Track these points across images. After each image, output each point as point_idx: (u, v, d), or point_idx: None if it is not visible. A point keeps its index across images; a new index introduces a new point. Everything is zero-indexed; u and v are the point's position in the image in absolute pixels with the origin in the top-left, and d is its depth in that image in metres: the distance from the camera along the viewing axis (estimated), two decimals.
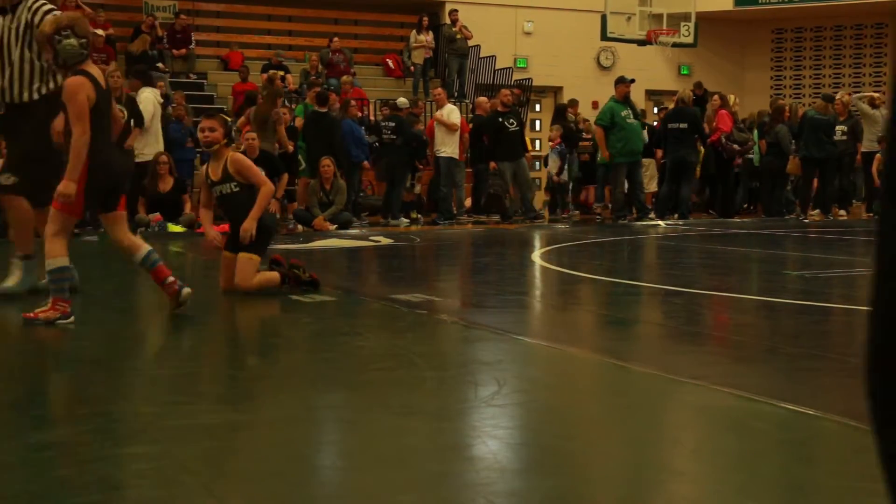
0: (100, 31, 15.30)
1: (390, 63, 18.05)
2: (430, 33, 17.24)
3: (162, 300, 5.60)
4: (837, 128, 13.44)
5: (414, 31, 17.23)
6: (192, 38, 16.57)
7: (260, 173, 5.81)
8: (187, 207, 11.50)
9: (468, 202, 13.71)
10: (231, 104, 15.26)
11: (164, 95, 14.01)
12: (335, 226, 11.39)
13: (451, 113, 12.91)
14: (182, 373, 3.58)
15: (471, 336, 4.38)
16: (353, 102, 13.16)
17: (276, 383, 3.43)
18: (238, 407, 3.07)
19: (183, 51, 16.43)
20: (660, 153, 14.08)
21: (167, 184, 11.37)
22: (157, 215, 11.19)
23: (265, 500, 2.18)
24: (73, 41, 4.55)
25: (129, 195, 5.70)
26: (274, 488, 2.22)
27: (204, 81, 16.43)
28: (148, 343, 4.33)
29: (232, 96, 15.18)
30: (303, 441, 2.68)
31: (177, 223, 11.14)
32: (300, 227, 11.53)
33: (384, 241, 9.86)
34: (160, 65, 15.64)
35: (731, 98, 14.55)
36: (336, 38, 16.89)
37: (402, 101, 13.69)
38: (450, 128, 12.77)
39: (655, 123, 15.25)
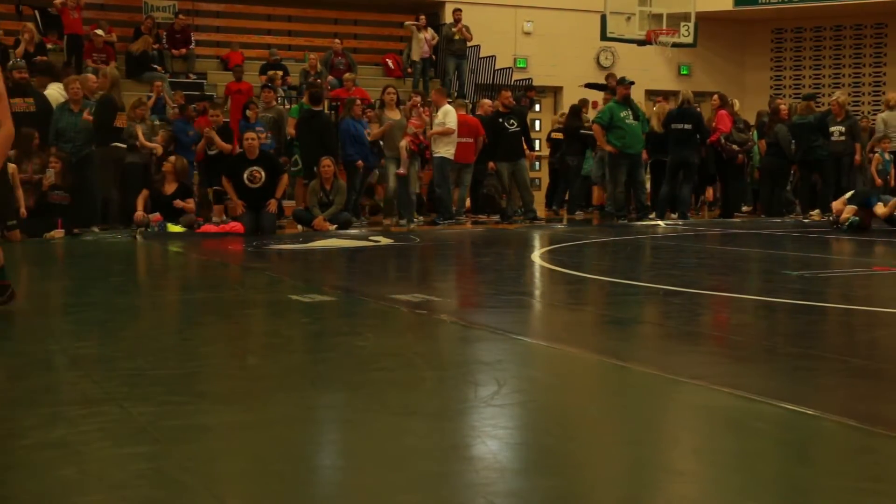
0: (99, 32, 15.31)
1: (390, 63, 18.05)
2: (430, 31, 17.23)
3: (161, 300, 5.61)
4: (835, 128, 13.37)
5: (414, 29, 17.22)
6: (192, 38, 16.56)
7: (6, 111, 4.67)
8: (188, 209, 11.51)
9: (467, 202, 13.68)
10: (228, 104, 15.23)
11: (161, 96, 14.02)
12: (335, 226, 11.40)
13: (447, 115, 12.67)
14: (182, 373, 3.58)
15: (471, 336, 4.38)
16: (358, 101, 12.96)
17: (276, 383, 3.43)
18: (237, 407, 3.07)
19: (183, 51, 16.42)
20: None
21: (172, 186, 11.37)
22: (157, 215, 11.19)
23: (265, 500, 2.18)
24: None
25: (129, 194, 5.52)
26: (274, 488, 2.22)
27: (204, 81, 16.42)
28: (148, 343, 4.32)
29: (225, 94, 15.13)
30: (303, 441, 2.68)
31: (177, 223, 11.14)
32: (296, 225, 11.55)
33: (384, 241, 9.86)
34: (157, 67, 15.62)
35: (734, 102, 14.53)
36: (339, 40, 16.89)
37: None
38: (445, 133, 12.59)
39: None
